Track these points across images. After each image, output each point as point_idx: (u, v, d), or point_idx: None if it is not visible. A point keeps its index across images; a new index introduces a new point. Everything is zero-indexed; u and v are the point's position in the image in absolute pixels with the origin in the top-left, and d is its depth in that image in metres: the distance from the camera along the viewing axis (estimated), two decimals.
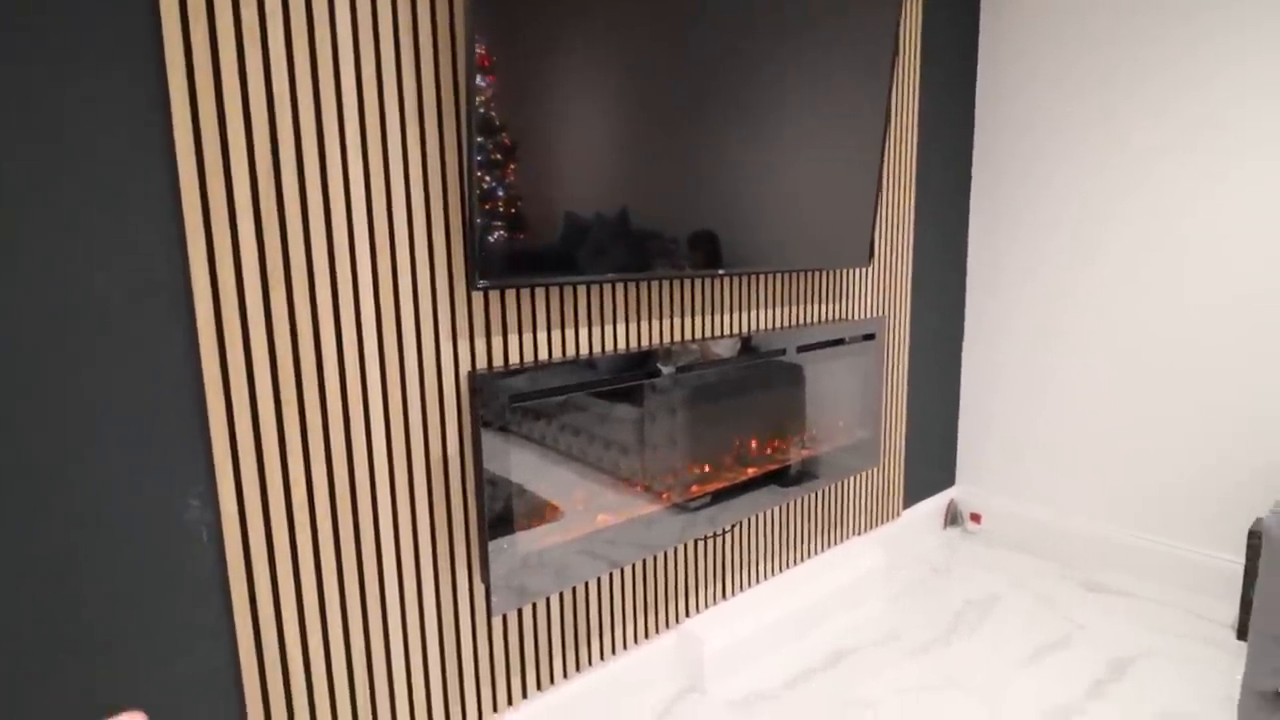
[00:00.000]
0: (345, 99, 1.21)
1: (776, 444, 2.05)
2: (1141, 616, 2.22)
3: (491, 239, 1.31)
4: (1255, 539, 2.01)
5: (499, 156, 1.29)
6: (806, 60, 1.77)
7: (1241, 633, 2.07)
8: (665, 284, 1.73)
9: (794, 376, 2.04)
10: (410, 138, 1.29)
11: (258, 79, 1.12)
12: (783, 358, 1.97)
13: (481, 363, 1.43)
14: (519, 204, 1.34)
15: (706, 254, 1.69)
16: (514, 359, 1.48)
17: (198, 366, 1.13)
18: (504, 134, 1.29)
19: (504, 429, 1.40)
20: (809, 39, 1.76)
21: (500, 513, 1.41)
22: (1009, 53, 2.60)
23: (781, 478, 2.02)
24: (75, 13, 0.98)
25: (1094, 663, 1.97)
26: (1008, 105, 2.62)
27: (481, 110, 1.24)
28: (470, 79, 1.22)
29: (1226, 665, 1.95)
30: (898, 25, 1.96)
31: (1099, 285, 2.45)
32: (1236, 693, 1.70)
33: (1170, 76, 2.21)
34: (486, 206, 1.29)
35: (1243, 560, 2.19)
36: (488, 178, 1.28)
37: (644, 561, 1.81)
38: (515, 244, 1.35)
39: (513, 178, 1.32)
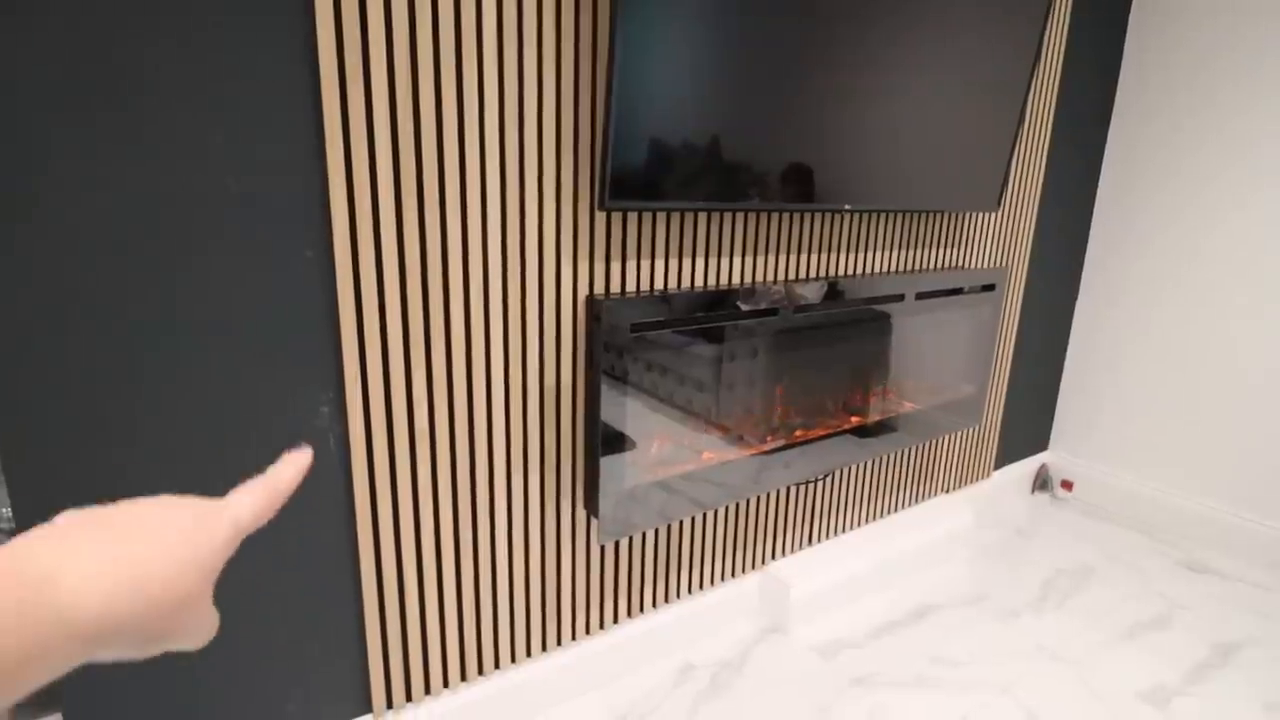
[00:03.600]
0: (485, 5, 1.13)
1: (882, 394, 1.96)
2: (1247, 601, 2.11)
3: (625, 158, 1.23)
4: None
5: (639, 76, 1.20)
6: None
7: None
8: (785, 217, 1.63)
9: (907, 325, 1.93)
10: (546, 50, 1.20)
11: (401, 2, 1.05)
12: (899, 304, 1.86)
13: (600, 288, 1.38)
14: (655, 124, 1.25)
15: (831, 190, 1.58)
16: (631, 287, 1.42)
17: (332, 278, 1.11)
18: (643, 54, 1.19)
19: (619, 359, 1.36)
20: None
21: (611, 445, 1.38)
22: (1160, 19, 2.30)
23: (883, 429, 1.95)
24: None
25: (1196, 645, 1.89)
26: (1152, 75, 2.35)
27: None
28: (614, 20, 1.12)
29: None
30: None
31: (1218, 262, 2.24)
32: None
33: None
34: (624, 124, 1.21)
35: None
36: (627, 95, 1.19)
37: (736, 504, 1.78)
38: (650, 165, 1.27)
39: (650, 99, 1.22)
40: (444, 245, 1.18)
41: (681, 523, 1.69)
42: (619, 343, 1.35)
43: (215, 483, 0.40)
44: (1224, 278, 2.28)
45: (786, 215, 1.62)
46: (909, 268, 1.95)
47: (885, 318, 1.87)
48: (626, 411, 1.39)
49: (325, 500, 1.19)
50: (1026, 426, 2.69)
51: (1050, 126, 2.23)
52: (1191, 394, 2.39)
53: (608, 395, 1.35)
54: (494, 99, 1.17)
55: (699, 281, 1.53)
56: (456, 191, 1.17)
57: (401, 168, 1.11)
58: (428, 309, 1.19)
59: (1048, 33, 2.07)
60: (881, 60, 1.53)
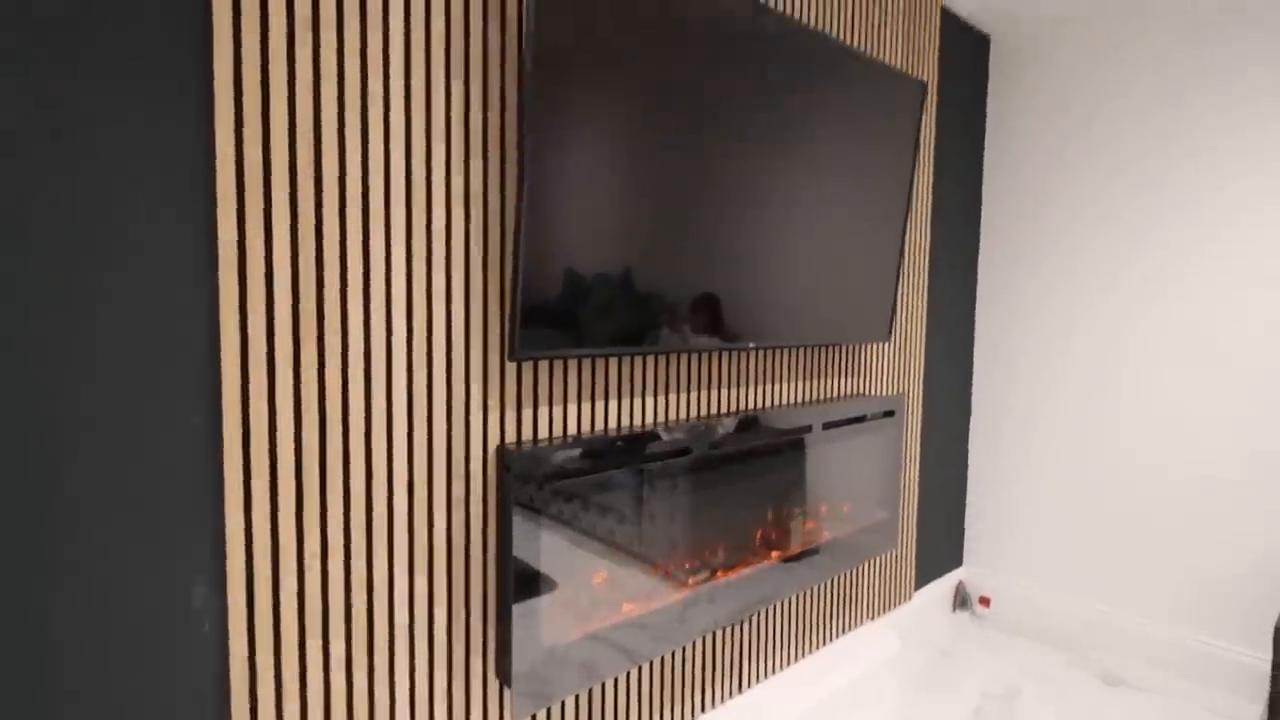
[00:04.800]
0: (393, 174, 1.16)
1: (800, 526, 1.97)
2: (1168, 715, 2.14)
3: (532, 309, 1.24)
4: None
5: (545, 228, 1.24)
6: (834, 144, 1.78)
7: None
8: (694, 356, 1.68)
9: (816, 455, 1.98)
10: (455, 209, 1.24)
11: (306, 141, 1.06)
12: (808, 434, 1.91)
13: (511, 435, 1.35)
14: (562, 277, 1.28)
15: (735, 328, 1.65)
16: (544, 432, 1.40)
17: (219, 431, 1.03)
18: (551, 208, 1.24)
19: (532, 510, 1.31)
20: (837, 126, 1.77)
21: (526, 600, 1.30)
22: (1012, 137, 2.67)
23: (803, 561, 1.93)
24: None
25: None
26: (1012, 187, 2.68)
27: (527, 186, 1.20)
28: (523, 163, 1.18)
29: None
30: (921, 113, 1.99)
31: (1110, 363, 2.46)
32: None
33: (1158, 155, 2.28)
34: (530, 276, 1.23)
35: (1270, 657, 2.13)
36: (532, 248, 1.23)
37: (663, 656, 1.69)
38: (558, 315, 1.28)
39: (556, 251, 1.26)
40: (345, 403, 1.13)
41: (604, 685, 1.57)
42: (530, 493, 1.30)
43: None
44: (1117, 382, 2.48)
45: (695, 355, 1.67)
46: (814, 398, 2.02)
47: (798, 447, 1.91)
48: (542, 563, 1.32)
49: (193, 692, 1.04)
50: (941, 544, 2.75)
51: (927, 259, 2.45)
52: (1089, 504, 2.53)
53: (521, 547, 1.29)
54: (401, 255, 1.18)
55: (612, 423, 1.52)
56: (360, 351, 1.14)
57: (302, 331, 1.08)
58: (325, 470, 1.12)
59: (916, 169, 2.32)
60: (773, 201, 1.65)
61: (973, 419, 2.85)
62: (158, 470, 0.99)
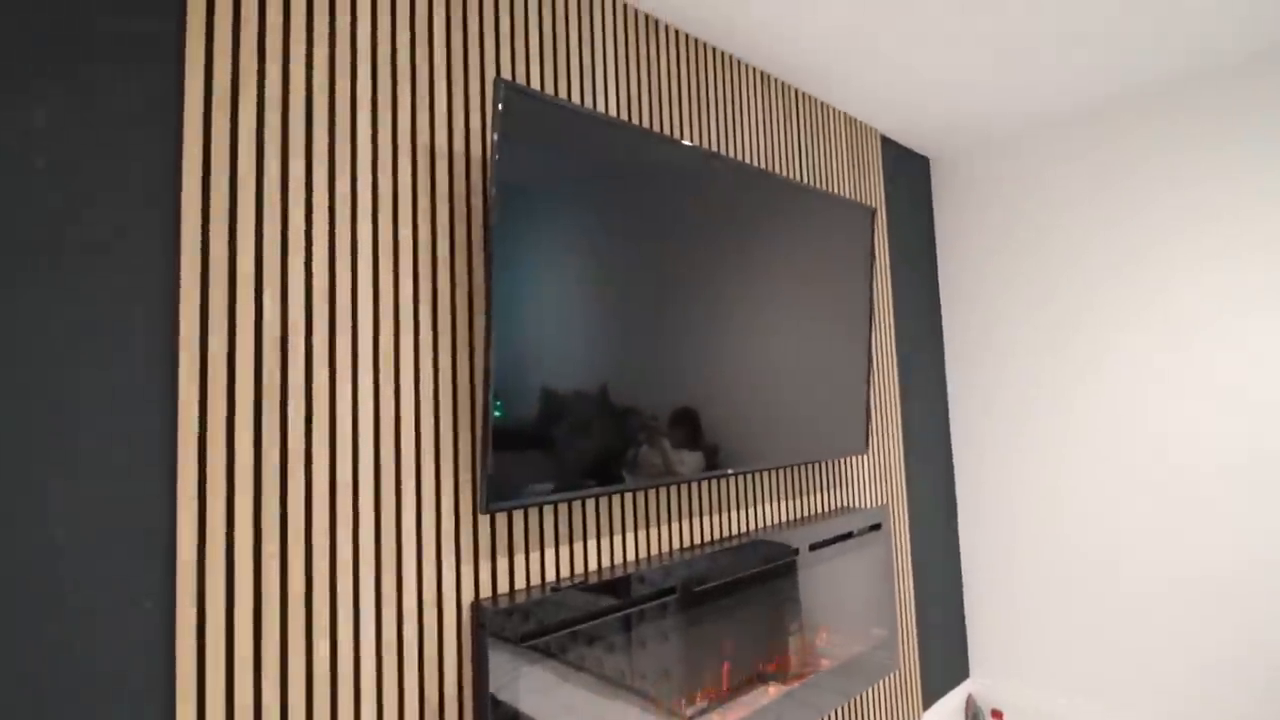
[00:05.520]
0: (361, 319, 1.19)
1: (796, 655, 1.89)
2: None
3: (504, 459, 1.24)
4: None
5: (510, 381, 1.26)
6: (795, 269, 1.86)
7: None
8: (671, 488, 1.66)
9: (806, 578, 1.93)
10: (423, 358, 1.26)
11: (274, 283, 1.09)
12: (796, 557, 1.87)
13: (486, 589, 1.30)
14: (529, 422, 1.29)
15: (712, 452, 1.65)
16: (521, 581, 1.35)
17: (172, 612, 0.98)
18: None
19: (510, 663, 1.24)
20: (795, 252, 1.86)
21: None
22: (962, 250, 2.81)
23: (803, 692, 1.84)
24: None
25: None
26: (964, 291, 2.79)
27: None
28: (490, 322, 1.22)
29: None
30: (873, 232, 2.10)
31: (1080, 460, 2.47)
32: None
33: (1101, 247, 2.40)
34: (501, 429, 1.23)
35: None
36: (500, 401, 1.24)
37: None
38: (528, 464, 1.28)
39: (521, 402, 1.28)
40: (308, 570, 1.10)
41: None
42: (508, 653, 1.24)
43: None
44: (1091, 480, 2.48)
45: (674, 486, 1.66)
46: (797, 518, 2.00)
47: (786, 572, 1.87)
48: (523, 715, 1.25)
49: None
50: (945, 657, 2.65)
51: (896, 367, 2.50)
52: (1090, 607, 2.47)
53: (501, 699, 1.21)
54: (369, 410, 1.18)
55: (591, 564, 1.48)
56: (325, 521, 1.12)
57: (263, 494, 1.06)
58: (285, 637, 1.06)
59: (875, 284, 2.41)
60: (742, 327, 1.70)
61: (960, 523, 2.82)
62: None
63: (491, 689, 1.21)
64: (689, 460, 1.59)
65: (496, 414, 1.23)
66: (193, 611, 0.99)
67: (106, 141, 0.98)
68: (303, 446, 1.11)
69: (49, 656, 0.90)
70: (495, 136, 1.22)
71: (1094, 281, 2.45)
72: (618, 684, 1.46)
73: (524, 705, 1.26)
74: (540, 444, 1.30)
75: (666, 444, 1.54)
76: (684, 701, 1.59)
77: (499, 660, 1.22)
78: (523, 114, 1.27)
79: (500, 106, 1.22)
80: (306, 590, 1.09)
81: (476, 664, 1.25)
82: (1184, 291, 2.26)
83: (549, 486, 1.32)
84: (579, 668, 1.38)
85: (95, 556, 0.94)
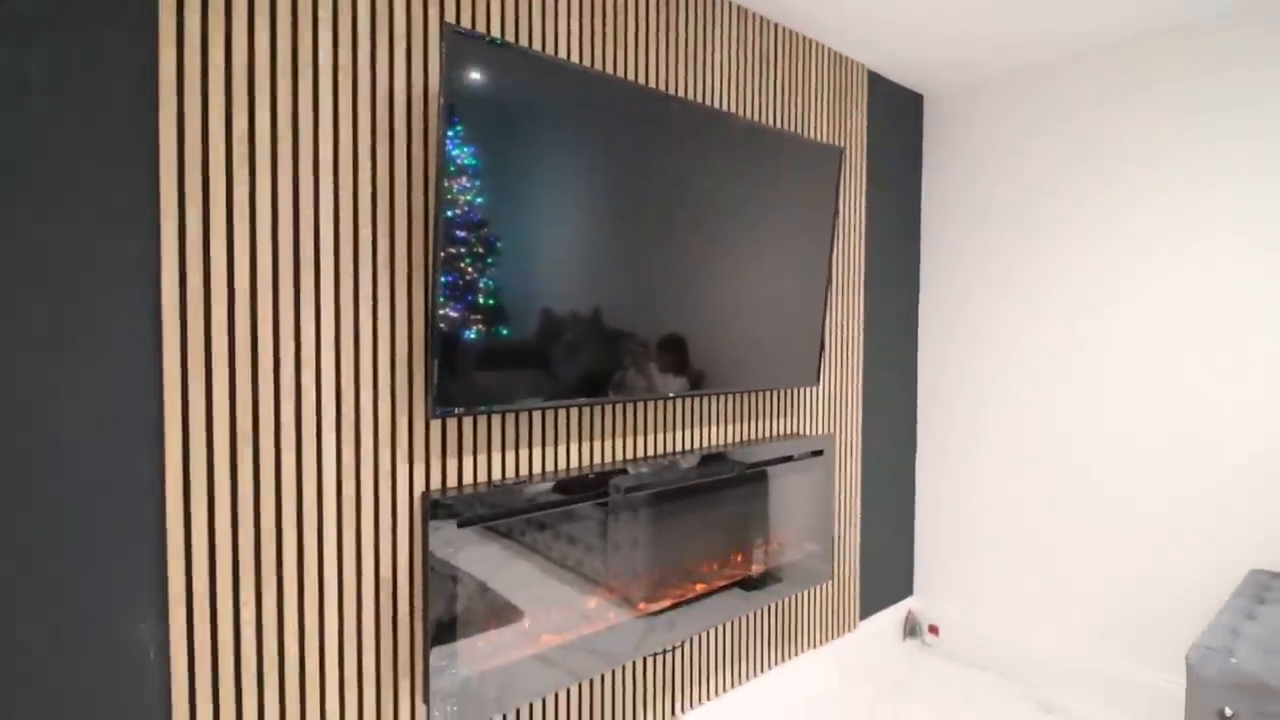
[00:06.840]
0: (323, 238, 1.35)
1: (729, 558, 2.11)
2: None
3: (452, 370, 1.42)
4: None
5: (459, 291, 1.42)
6: (757, 207, 1.95)
7: None
8: (622, 405, 1.84)
9: (744, 493, 2.13)
10: (381, 272, 1.42)
11: (243, 191, 1.25)
12: (731, 474, 2.06)
13: (436, 483, 1.51)
14: (480, 334, 1.46)
15: (663, 374, 1.81)
16: (468, 479, 1.56)
17: (162, 489, 1.20)
18: (466, 269, 1.42)
19: (456, 552, 1.47)
20: (757, 190, 1.95)
21: (449, 635, 1.45)
22: (948, 181, 2.84)
23: (734, 591, 2.07)
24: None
25: None
26: (948, 230, 2.84)
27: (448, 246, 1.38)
28: (438, 232, 1.36)
29: None
30: (838, 174, 2.17)
31: (1042, 399, 2.59)
32: None
33: (1079, 190, 2.44)
34: (448, 338, 1.41)
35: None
36: (448, 311, 1.40)
37: (600, 677, 1.83)
38: (476, 373, 1.46)
39: (470, 313, 1.44)
40: (278, 476, 1.30)
41: (532, 706, 1.71)
42: (452, 536, 1.46)
43: None
44: (1033, 423, 2.61)
45: (621, 404, 1.83)
46: (741, 440, 2.17)
47: (727, 486, 2.06)
48: (459, 604, 1.48)
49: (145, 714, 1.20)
50: (888, 575, 2.87)
51: (863, 305, 2.61)
52: (1025, 536, 2.64)
53: (442, 588, 1.44)
54: (330, 321, 1.36)
55: (537, 469, 1.68)
56: (292, 415, 1.32)
57: (237, 396, 1.26)
58: (259, 519, 1.29)
59: (843, 220, 2.49)
60: (703, 259, 1.83)
61: (918, 455, 2.98)
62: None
63: (432, 552, 1.43)
64: (638, 382, 1.76)
65: (471, 335, 1.40)
66: (180, 506, 1.21)
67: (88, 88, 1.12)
68: (271, 357, 1.29)
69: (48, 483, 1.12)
70: (442, 82, 1.33)
71: (1083, 238, 2.48)
72: (552, 561, 1.69)
73: (460, 574, 1.48)
74: (488, 360, 1.48)
75: (636, 368, 1.71)
76: (608, 587, 1.82)
77: (439, 539, 1.44)
78: (470, 59, 1.37)
79: (446, 52, 1.32)
80: (276, 482, 1.30)
81: (425, 549, 1.48)
82: (1145, 220, 2.31)
83: (493, 401, 1.50)
84: (516, 549, 1.61)
85: (95, 448, 1.15)
